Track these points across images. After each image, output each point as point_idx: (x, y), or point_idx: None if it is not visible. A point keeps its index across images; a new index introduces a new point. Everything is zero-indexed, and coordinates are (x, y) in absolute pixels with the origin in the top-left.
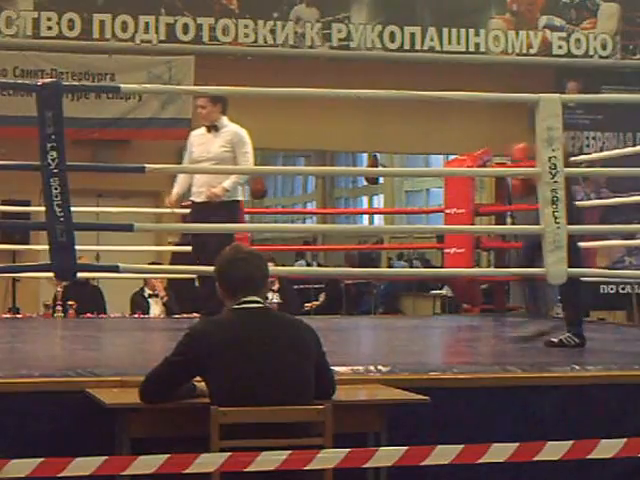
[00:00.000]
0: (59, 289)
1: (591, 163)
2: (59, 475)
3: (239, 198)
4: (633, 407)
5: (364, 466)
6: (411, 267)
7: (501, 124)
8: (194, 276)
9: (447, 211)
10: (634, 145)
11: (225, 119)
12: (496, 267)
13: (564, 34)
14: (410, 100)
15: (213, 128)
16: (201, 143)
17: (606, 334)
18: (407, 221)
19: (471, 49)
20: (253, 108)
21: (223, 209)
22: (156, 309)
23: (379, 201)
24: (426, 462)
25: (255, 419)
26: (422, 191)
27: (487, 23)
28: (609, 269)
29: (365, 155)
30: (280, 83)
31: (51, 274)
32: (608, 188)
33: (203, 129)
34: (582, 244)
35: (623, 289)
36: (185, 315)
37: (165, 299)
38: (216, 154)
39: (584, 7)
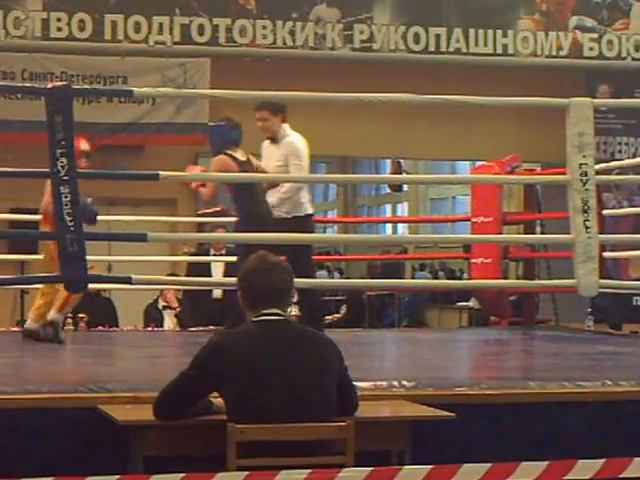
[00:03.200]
0: None
1: (624, 170)
2: None
3: (298, 214)
4: None
5: None
6: (435, 278)
7: (530, 129)
8: (210, 288)
9: (474, 220)
10: None
11: (285, 128)
12: (525, 278)
13: (595, 35)
14: (435, 104)
15: (274, 140)
16: (266, 156)
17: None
18: (432, 230)
19: (499, 51)
20: None
21: (283, 226)
22: (170, 322)
23: (403, 209)
24: None
25: (274, 437)
26: (448, 199)
27: (515, 24)
28: None
29: (388, 161)
30: (299, 86)
31: (61, 285)
32: None
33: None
34: (615, 254)
35: None
36: (201, 328)
37: (178, 311)
38: (272, 170)
39: (616, 7)
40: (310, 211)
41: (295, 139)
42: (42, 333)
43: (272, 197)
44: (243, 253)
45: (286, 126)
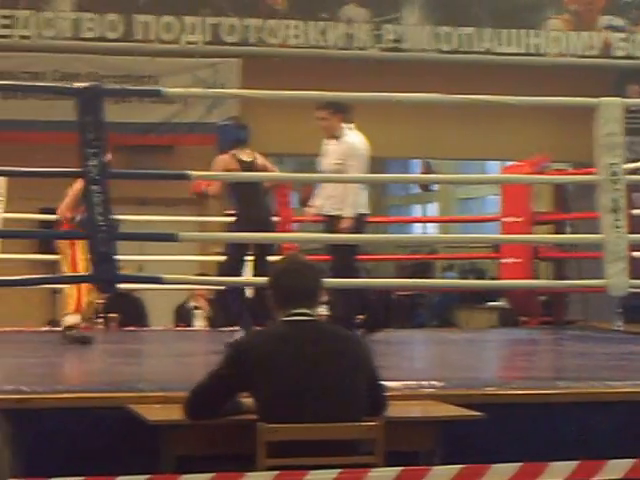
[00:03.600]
0: (100, 301)
1: None
2: None
3: (350, 213)
4: None
5: None
6: (464, 278)
7: (560, 128)
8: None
9: (503, 219)
10: None
11: (346, 128)
12: (555, 278)
13: (625, 35)
14: (465, 104)
15: (335, 138)
16: (325, 154)
17: None
18: (462, 230)
19: (529, 51)
20: (301, 112)
21: (338, 224)
22: (200, 322)
23: (433, 209)
24: None
25: (303, 436)
26: (477, 199)
27: (545, 24)
28: None
29: (418, 161)
30: (329, 86)
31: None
32: None
33: None
34: None
35: None
36: (231, 328)
37: (207, 312)
38: (329, 168)
39: None
40: (363, 211)
41: (353, 139)
42: (65, 339)
43: (326, 190)
44: (231, 253)
45: (348, 126)
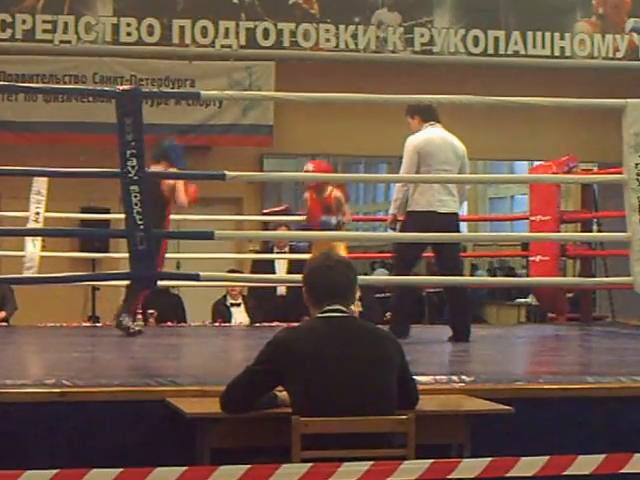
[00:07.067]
0: None
1: None
2: None
3: (407, 210)
4: None
5: (447, 478)
6: (494, 276)
7: (587, 130)
8: (275, 284)
9: (532, 218)
10: None
11: (423, 128)
12: (582, 276)
13: None
14: (494, 106)
15: None
16: None
17: None
18: (491, 228)
19: (556, 53)
20: (332, 114)
21: (404, 222)
22: (239, 317)
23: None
24: (510, 474)
25: (337, 429)
26: (506, 198)
27: (572, 26)
28: None
29: None
30: (361, 89)
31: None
32: None
33: None
34: None
35: None
36: (265, 324)
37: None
38: None
39: None
40: (419, 208)
41: (411, 138)
42: None
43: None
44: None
45: (425, 126)
